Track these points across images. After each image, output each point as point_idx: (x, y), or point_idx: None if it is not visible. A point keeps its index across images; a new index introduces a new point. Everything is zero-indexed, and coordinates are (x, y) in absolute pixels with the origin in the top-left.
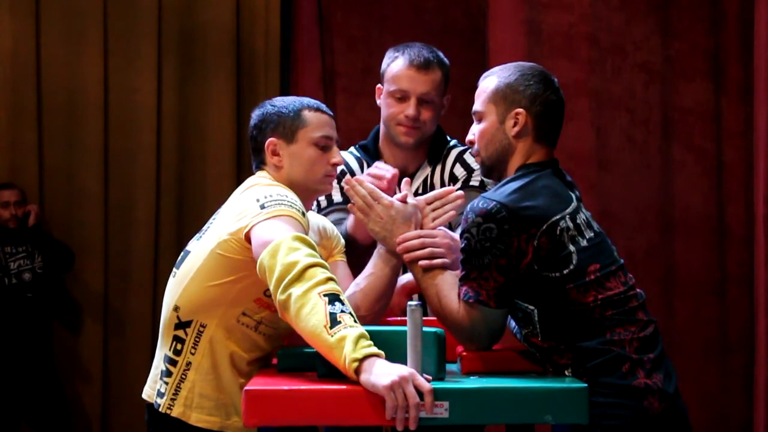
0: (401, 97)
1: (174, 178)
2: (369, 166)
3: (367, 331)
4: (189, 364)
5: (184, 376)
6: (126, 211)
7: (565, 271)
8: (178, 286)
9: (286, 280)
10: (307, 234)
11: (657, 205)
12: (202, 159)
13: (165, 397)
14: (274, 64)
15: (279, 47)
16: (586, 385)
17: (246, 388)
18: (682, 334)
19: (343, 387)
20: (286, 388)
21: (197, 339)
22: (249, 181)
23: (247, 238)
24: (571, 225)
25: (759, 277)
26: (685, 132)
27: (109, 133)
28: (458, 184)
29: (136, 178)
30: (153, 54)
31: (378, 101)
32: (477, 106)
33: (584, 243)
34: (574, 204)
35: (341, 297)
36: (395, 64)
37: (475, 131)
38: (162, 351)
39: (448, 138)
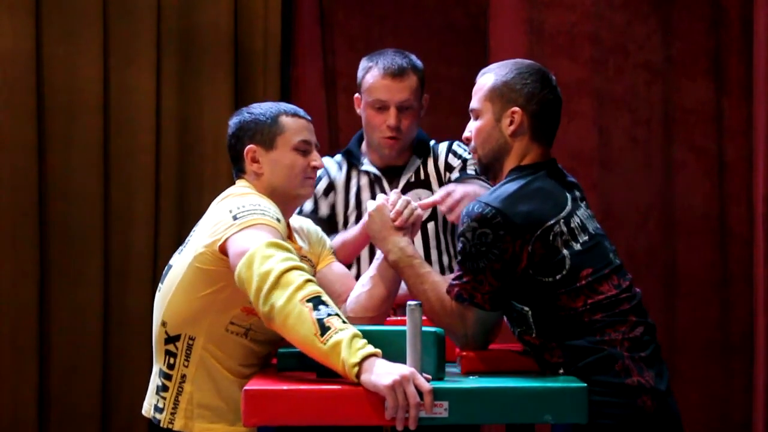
0: (380, 107)
1: (173, 177)
2: (355, 170)
3: (366, 331)
4: (184, 376)
5: (180, 389)
6: (125, 210)
7: (557, 276)
8: (163, 301)
9: (264, 291)
10: (283, 239)
11: (659, 205)
12: (201, 159)
13: (164, 412)
14: (273, 63)
15: (279, 47)
16: (585, 384)
17: (245, 387)
18: (683, 334)
19: (343, 387)
20: (285, 388)
21: (188, 352)
22: (225, 192)
23: (222, 250)
24: (564, 229)
25: (758, 276)
26: (686, 131)
27: (109, 133)
28: (455, 173)
29: (135, 178)
30: (152, 54)
31: (358, 111)
32: (474, 103)
33: (578, 247)
34: (569, 207)
35: (323, 298)
36: (370, 74)
37: (471, 128)
38: (156, 366)
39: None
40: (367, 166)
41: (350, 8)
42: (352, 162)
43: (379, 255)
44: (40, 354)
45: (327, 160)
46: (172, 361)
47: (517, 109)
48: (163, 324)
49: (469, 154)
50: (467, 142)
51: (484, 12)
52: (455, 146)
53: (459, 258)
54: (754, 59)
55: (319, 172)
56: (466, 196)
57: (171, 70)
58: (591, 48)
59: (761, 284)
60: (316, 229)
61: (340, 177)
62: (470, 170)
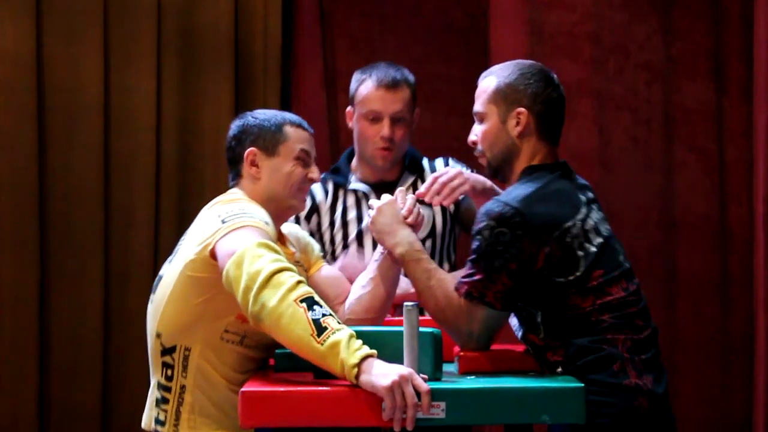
0: (374, 118)
1: (174, 178)
2: (342, 190)
3: (363, 332)
4: (183, 387)
5: (181, 400)
6: (126, 211)
7: (570, 277)
8: (156, 312)
9: (254, 290)
10: (273, 242)
11: (659, 205)
12: (201, 159)
13: (167, 425)
14: (273, 64)
15: (279, 47)
16: (582, 384)
17: (242, 389)
18: (683, 334)
19: (340, 388)
20: (282, 389)
21: (185, 363)
22: (213, 200)
23: (212, 255)
24: (580, 231)
25: (758, 277)
26: (687, 132)
27: (109, 133)
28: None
29: (135, 178)
30: (153, 54)
31: (349, 124)
32: (477, 106)
33: (592, 249)
34: (584, 209)
35: (316, 299)
36: (364, 86)
37: (477, 132)
38: (154, 378)
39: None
40: (354, 184)
41: (350, 8)
42: (339, 182)
43: (376, 256)
44: (40, 354)
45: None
46: (169, 372)
47: (522, 109)
48: (158, 336)
49: (466, 168)
50: (473, 145)
51: (484, 12)
52: (453, 163)
53: (473, 256)
54: (755, 59)
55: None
56: (459, 173)
57: (171, 71)
58: (591, 48)
59: (761, 284)
60: (303, 234)
61: (325, 200)
62: None
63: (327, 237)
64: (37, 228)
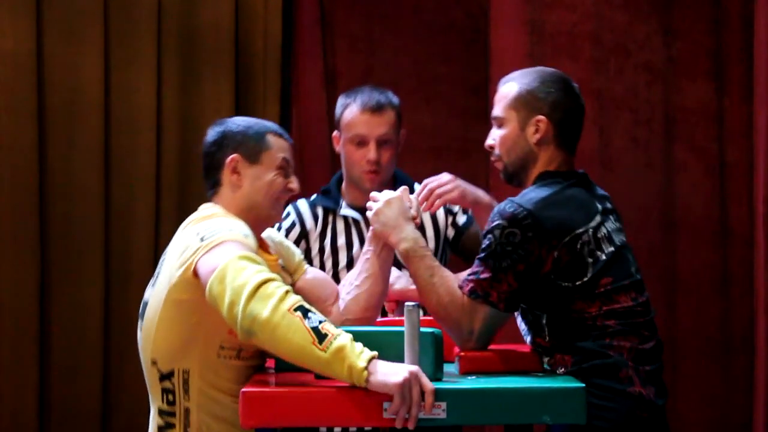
0: (360, 141)
1: (174, 178)
2: (332, 215)
3: (365, 333)
4: (187, 410)
5: (188, 423)
6: (126, 211)
7: (577, 282)
8: (147, 339)
9: (242, 303)
10: (255, 253)
11: (659, 205)
12: (202, 159)
13: None
14: (273, 64)
15: (280, 47)
16: (583, 385)
17: (243, 389)
18: (683, 334)
19: (340, 388)
20: (282, 389)
21: (186, 386)
22: (188, 218)
23: (195, 274)
24: (592, 239)
25: (758, 277)
26: (687, 132)
27: (110, 133)
28: (460, 216)
29: (136, 178)
30: (153, 54)
31: (336, 149)
32: (497, 111)
33: (603, 257)
34: (598, 217)
35: (308, 306)
36: (349, 110)
37: (495, 136)
38: (154, 406)
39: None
40: (345, 209)
41: (350, 8)
42: (329, 207)
43: (367, 255)
44: (40, 354)
45: (302, 204)
46: (171, 398)
47: (542, 117)
48: (154, 363)
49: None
50: (490, 149)
51: (484, 12)
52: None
53: (481, 254)
54: (755, 59)
55: (292, 218)
56: (451, 180)
57: (172, 70)
58: (591, 48)
59: (762, 285)
60: (282, 239)
61: (315, 227)
62: (460, 219)
63: (316, 263)
64: (37, 228)
